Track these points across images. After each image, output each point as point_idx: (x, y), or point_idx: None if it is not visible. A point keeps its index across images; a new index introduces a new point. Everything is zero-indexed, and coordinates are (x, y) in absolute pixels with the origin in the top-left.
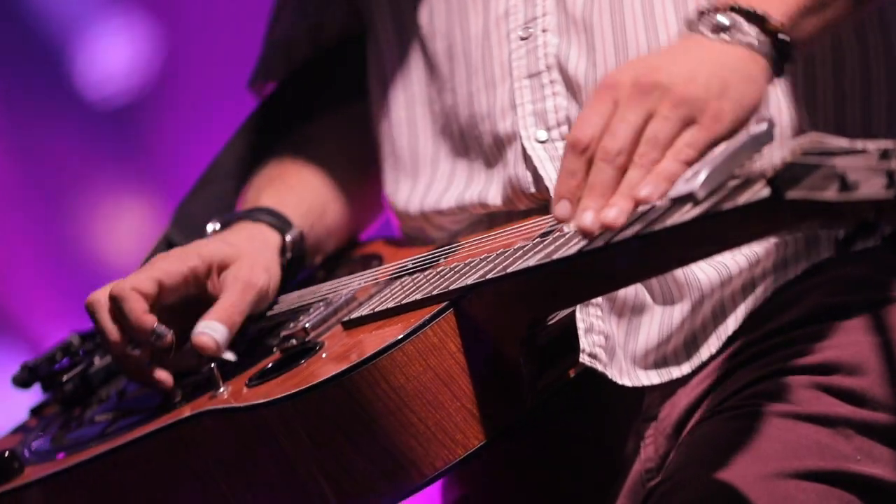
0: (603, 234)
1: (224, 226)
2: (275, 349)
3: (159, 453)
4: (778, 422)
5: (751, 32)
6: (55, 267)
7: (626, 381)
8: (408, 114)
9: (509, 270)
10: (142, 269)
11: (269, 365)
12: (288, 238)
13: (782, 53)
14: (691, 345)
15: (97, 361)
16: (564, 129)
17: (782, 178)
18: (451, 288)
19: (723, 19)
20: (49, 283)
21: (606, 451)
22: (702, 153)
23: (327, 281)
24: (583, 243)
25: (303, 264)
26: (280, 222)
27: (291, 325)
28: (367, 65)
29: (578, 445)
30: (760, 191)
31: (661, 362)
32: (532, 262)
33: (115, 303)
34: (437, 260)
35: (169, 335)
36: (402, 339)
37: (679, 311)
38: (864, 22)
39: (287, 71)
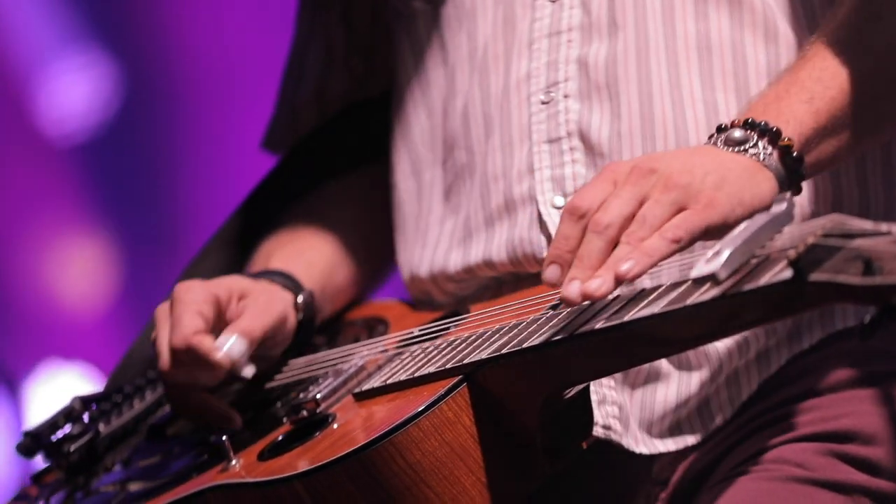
0: (621, 311)
1: None
2: (285, 420)
3: None
4: (795, 487)
5: (760, 146)
6: (8, 304)
7: (642, 450)
8: (416, 177)
9: (525, 345)
10: (180, 311)
11: (280, 438)
12: (300, 299)
13: (792, 169)
14: (705, 412)
15: (102, 428)
16: None
17: (805, 259)
18: (465, 361)
19: (737, 134)
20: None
21: None
22: (691, 235)
23: (330, 347)
24: (601, 321)
25: (313, 326)
26: (292, 283)
27: (301, 394)
28: (391, 126)
29: None
30: (782, 272)
31: (675, 429)
32: (544, 337)
33: (186, 353)
34: (448, 329)
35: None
36: (418, 413)
37: (697, 379)
38: None
39: (294, 138)
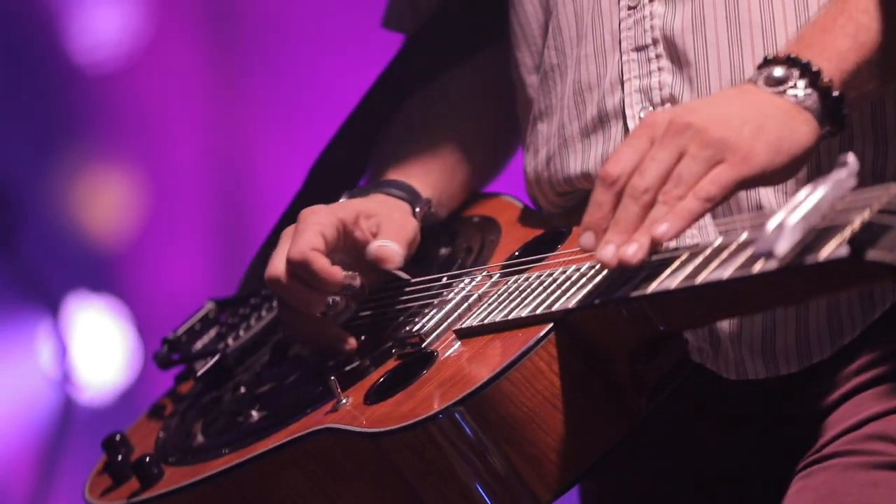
0: (694, 272)
1: (353, 197)
2: (393, 352)
3: (283, 466)
4: (894, 476)
5: (800, 86)
6: (47, 233)
7: (731, 375)
8: (539, 71)
9: (615, 296)
10: (302, 229)
11: (383, 378)
12: (417, 209)
13: (831, 110)
14: (802, 344)
15: (231, 342)
16: (668, 107)
17: (861, 238)
18: (554, 308)
19: (778, 72)
20: (47, 245)
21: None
22: (725, 191)
23: (450, 250)
24: (676, 281)
25: (434, 234)
26: (409, 195)
27: (408, 326)
28: (508, 18)
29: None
30: (839, 249)
31: (769, 356)
32: (626, 291)
33: (301, 267)
34: (545, 257)
35: (359, 278)
36: (506, 367)
37: (792, 309)
38: None
39: (414, 22)
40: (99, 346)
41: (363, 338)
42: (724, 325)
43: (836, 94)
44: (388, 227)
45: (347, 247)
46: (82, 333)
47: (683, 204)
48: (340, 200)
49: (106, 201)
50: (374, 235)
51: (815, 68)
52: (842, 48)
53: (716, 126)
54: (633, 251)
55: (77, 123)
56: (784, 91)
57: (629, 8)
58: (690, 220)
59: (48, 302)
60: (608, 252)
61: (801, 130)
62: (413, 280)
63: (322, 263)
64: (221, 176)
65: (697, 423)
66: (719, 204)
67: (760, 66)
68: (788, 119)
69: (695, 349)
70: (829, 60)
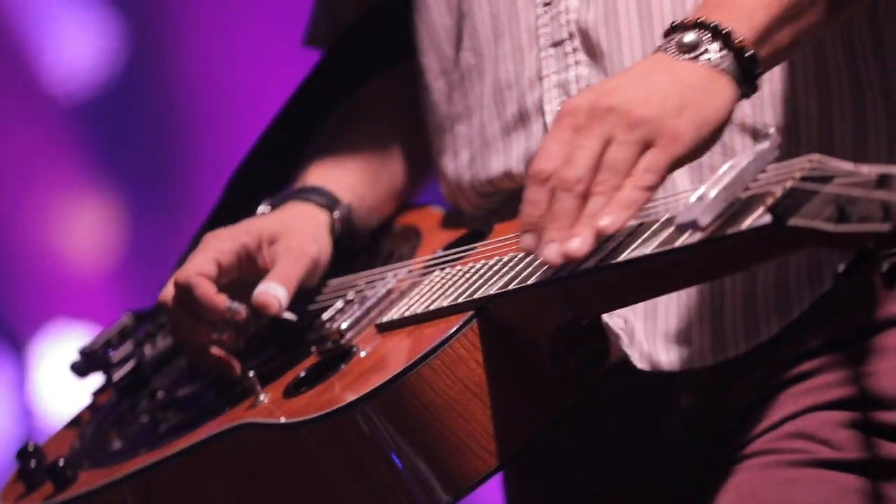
0: (616, 250)
1: (274, 207)
2: (313, 349)
3: (200, 464)
4: (817, 473)
5: (713, 49)
6: (12, 266)
7: (644, 365)
8: (446, 77)
9: (529, 282)
10: (197, 252)
11: (303, 373)
12: (336, 214)
13: (747, 70)
14: (717, 338)
15: (148, 350)
16: (584, 88)
17: (783, 204)
18: (475, 296)
19: (689, 37)
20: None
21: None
22: (663, 175)
23: (370, 260)
24: (596, 260)
25: (356, 238)
26: (327, 200)
27: (328, 323)
28: (415, 24)
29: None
30: (762, 217)
31: (684, 349)
32: (547, 275)
33: (184, 292)
34: (468, 253)
35: (243, 310)
36: (428, 353)
37: (707, 303)
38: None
39: (333, 35)
40: (63, 378)
41: (285, 337)
42: (640, 314)
43: (749, 53)
44: (286, 258)
45: (255, 273)
46: (46, 365)
47: (624, 194)
48: (259, 210)
49: (79, 230)
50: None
51: (725, 29)
52: (748, 7)
53: (639, 106)
54: (578, 245)
55: (50, 153)
56: (698, 56)
57: (545, 4)
58: (634, 211)
59: (6, 333)
60: (552, 250)
61: (723, 95)
62: (333, 283)
63: (205, 290)
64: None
65: (620, 418)
66: (658, 188)
67: (668, 33)
68: (708, 84)
69: (613, 335)
70: (739, 20)
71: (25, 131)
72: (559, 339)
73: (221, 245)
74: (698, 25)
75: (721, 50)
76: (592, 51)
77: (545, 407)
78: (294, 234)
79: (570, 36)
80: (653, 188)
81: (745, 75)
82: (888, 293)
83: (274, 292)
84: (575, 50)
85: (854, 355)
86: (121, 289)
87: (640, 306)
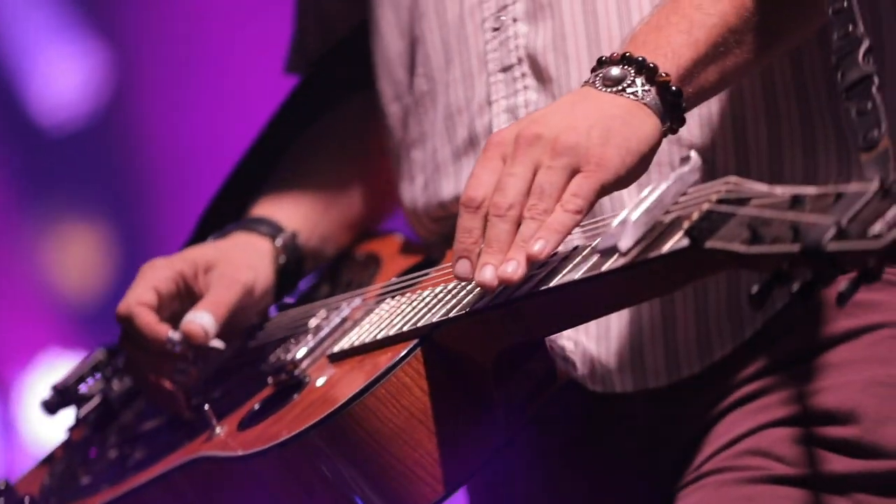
0: (549, 276)
1: (218, 238)
2: (269, 380)
3: (159, 498)
4: (771, 489)
5: (638, 83)
6: (3, 297)
7: (597, 387)
8: (399, 101)
9: (467, 311)
10: (135, 283)
11: (258, 405)
12: (278, 242)
13: (673, 104)
14: (671, 358)
15: (116, 386)
16: (511, 120)
17: (699, 227)
18: (419, 325)
19: (615, 72)
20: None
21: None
22: (590, 200)
23: (331, 287)
24: (529, 286)
25: (304, 265)
26: (270, 229)
27: (283, 354)
28: (372, 49)
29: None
30: (681, 240)
31: (638, 370)
32: (483, 302)
33: (126, 322)
34: (419, 281)
35: (181, 340)
36: (371, 384)
37: (650, 316)
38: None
39: (304, 64)
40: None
41: (243, 370)
42: (592, 336)
43: (674, 88)
44: (218, 285)
45: (191, 300)
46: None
47: (555, 218)
48: (207, 242)
49: (66, 261)
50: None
51: (651, 64)
52: (676, 44)
53: (564, 133)
54: (513, 269)
55: (43, 183)
56: (623, 90)
57: (493, 29)
58: (564, 234)
59: None
60: (487, 274)
61: (645, 127)
62: (291, 314)
63: (146, 319)
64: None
65: (573, 441)
66: (587, 213)
67: (595, 68)
68: (631, 117)
69: (559, 358)
70: (665, 56)
71: (11, 162)
72: (503, 364)
73: (158, 273)
74: (624, 60)
75: (645, 84)
76: (541, 76)
77: (493, 432)
78: (229, 261)
79: (519, 61)
80: (580, 212)
81: (671, 110)
82: (836, 311)
83: (199, 321)
84: (524, 75)
85: (804, 372)
86: (110, 319)
87: (592, 328)
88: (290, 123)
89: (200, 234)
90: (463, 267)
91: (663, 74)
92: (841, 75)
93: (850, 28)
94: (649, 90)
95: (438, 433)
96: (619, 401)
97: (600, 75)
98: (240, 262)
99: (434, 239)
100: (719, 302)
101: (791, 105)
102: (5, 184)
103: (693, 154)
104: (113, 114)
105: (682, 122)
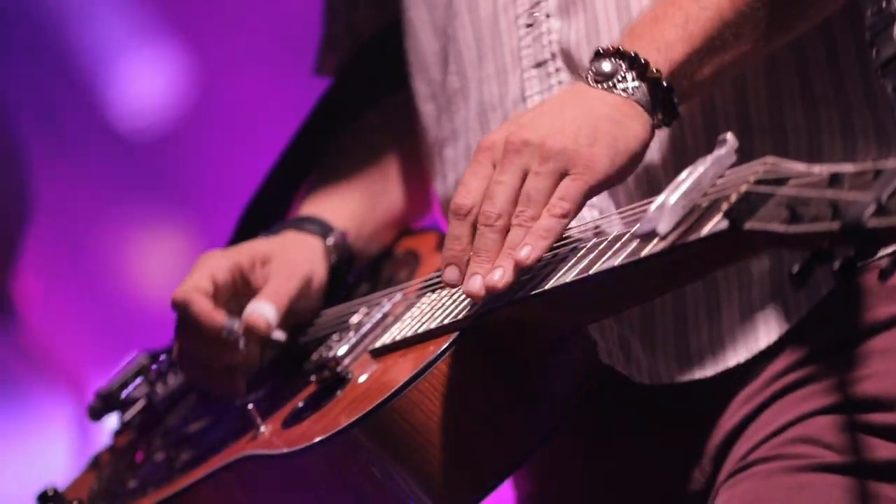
0: (588, 264)
1: (269, 236)
2: (312, 378)
3: (206, 500)
4: (821, 478)
5: (628, 79)
6: (89, 300)
7: (644, 379)
8: (434, 101)
9: (513, 297)
10: (193, 272)
11: (302, 403)
12: (329, 242)
13: (664, 100)
14: (718, 348)
15: (160, 390)
16: (502, 123)
17: (738, 209)
18: (460, 317)
19: (606, 66)
20: (83, 316)
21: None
22: (578, 203)
23: (371, 285)
24: (575, 271)
25: (350, 266)
26: (321, 228)
27: (325, 352)
28: (406, 49)
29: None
30: (720, 222)
31: (683, 360)
32: (523, 291)
33: (181, 309)
34: None
35: (238, 323)
36: (413, 377)
37: (695, 307)
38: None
39: (336, 67)
40: None
41: (286, 368)
42: (636, 329)
43: (665, 84)
44: (277, 276)
45: (247, 292)
46: None
47: (541, 224)
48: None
49: (152, 265)
50: (263, 283)
51: (642, 60)
52: (670, 38)
53: (552, 138)
54: (499, 276)
55: (125, 187)
56: (613, 85)
57: (527, 25)
58: (552, 239)
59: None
60: (475, 284)
61: (634, 126)
62: (333, 311)
63: (202, 305)
64: None
65: (616, 431)
66: (575, 216)
67: (591, 59)
68: (621, 116)
69: (604, 352)
70: (658, 51)
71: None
72: (546, 354)
73: (215, 263)
74: (616, 54)
75: (635, 80)
76: (575, 70)
77: (537, 422)
78: (286, 254)
79: (553, 56)
80: (567, 216)
81: (663, 105)
82: (879, 298)
83: (262, 312)
84: (557, 70)
85: (848, 359)
86: None
87: (636, 321)
88: (327, 123)
89: (241, 232)
90: (452, 274)
91: (654, 70)
92: (876, 52)
93: (884, 4)
94: (639, 86)
95: (483, 425)
96: (664, 391)
97: (592, 69)
98: (297, 256)
99: None
100: (763, 290)
101: (826, 85)
102: (88, 188)
103: (729, 136)
104: (195, 118)
105: (676, 116)
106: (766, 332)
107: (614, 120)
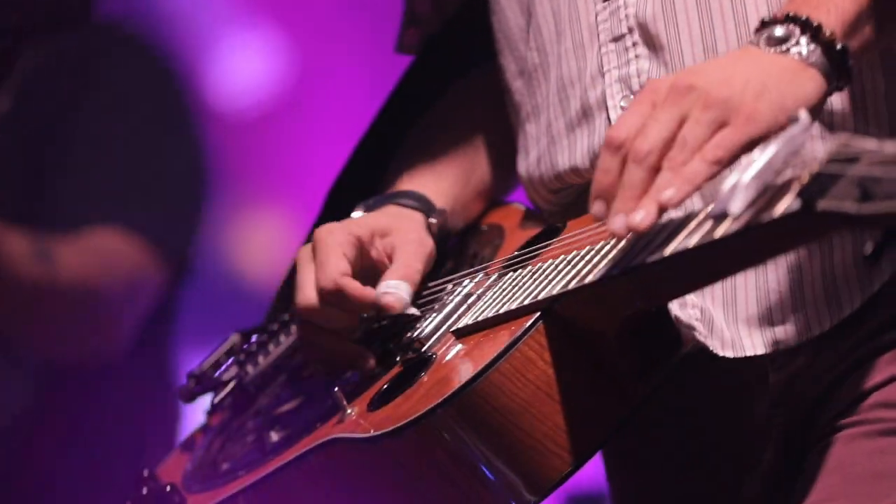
0: (664, 244)
1: (368, 210)
2: (398, 359)
3: (294, 483)
4: None
5: (803, 42)
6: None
7: (728, 353)
8: (524, 76)
9: (586, 281)
10: (324, 253)
11: (387, 385)
12: (432, 220)
13: (837, 63)
14: (799, 316)
15: (251, 370)
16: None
17: (810, 188)
18: (540, 297)
19: (779, 31)
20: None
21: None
22: (732, 153)
23: (456, 270)
24: (648, 254)
25: (447, 242)
26: (423, 205)
27: (410, 332)
28: (491, 25)
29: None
30: (793, 203)
31: (767, 331)
32: (602, 272)
33: (335, 295)
34: (539, 252)
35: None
36: (494, 360)
37: (785, 278)
38: None
39: (420, 43)
40: None
41: (372, 349)
42: (718, 302)
43: (839, 46)
44: (403, 249)
45: (364, 265)
46: None
47: (690, 167)
48: (353, 214)
49: (255, 246)
50: (389, 258)
51: (815, 23)
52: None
53: (718, 87)
54: (641, 218)
55: (225, 169)
56: (788, 49)
57: (603, 0)
58: (698, 184)
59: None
60: (618, 223)
61: (807, 87)
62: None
63: (355, 288)
64: None
65: (700, 402)
66: (727, 166)
67: (759, 29)
68: (793, 76)
69: (685, 328)
70: (829, 13)
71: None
72: (626, 333)
73: (339, 238)
74: (788, 19)
75: (810, 43)
76: (652, 44)
77: (619, 401)
78: (402, 227)
79: (630, 30)
80: (719, 163)
81: (837, 68)
82: None
83: (398, 292)
84: (635, 44)
85: None
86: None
87: (718, 294)
88: (415, 97)
89: (331, 205)
90: (598, 207)
91: (828, 32)
92: None
93: None
94: (815, 49)
95: (565, 406)
96: (746, 364)
97: (764, 35)
98: (416, 234)
99: (553, 209)
100: (845, 256)
101: None
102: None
103: (802, 113)
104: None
105: (850, 80)
106: (850, 298)
107: (786, 79)
